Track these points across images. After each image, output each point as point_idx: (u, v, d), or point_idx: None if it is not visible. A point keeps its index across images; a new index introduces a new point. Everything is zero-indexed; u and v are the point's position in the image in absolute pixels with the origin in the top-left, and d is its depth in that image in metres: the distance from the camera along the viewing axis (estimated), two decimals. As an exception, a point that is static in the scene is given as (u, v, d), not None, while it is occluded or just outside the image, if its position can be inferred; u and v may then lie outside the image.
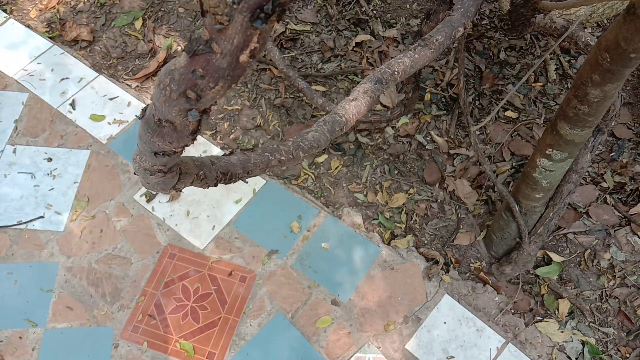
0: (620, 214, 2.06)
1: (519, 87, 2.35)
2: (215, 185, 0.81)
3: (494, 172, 2.13)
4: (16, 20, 2.58)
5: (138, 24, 2.54)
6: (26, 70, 2.38)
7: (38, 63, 2.41)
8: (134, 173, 0.68)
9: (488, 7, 2.58)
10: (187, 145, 0.60)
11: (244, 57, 0.47)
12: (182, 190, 0.76)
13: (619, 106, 1.64)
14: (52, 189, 2.07)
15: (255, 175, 0.88)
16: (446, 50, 2.46)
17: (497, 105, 2.25)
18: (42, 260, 1.93)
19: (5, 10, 2.62)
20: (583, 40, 1.43)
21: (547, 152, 1.46)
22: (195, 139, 0.60)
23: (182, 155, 0.78)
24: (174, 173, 0.66)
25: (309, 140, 0.93)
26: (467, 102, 1.45)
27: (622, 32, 1.03)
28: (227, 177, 0.82)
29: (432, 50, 1.02)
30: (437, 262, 1.94)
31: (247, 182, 0.88)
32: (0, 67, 2.40)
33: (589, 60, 1.18)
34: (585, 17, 1.85)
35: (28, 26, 2.55)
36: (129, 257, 1.93)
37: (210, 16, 0.45)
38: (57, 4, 2.64)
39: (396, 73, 1.01)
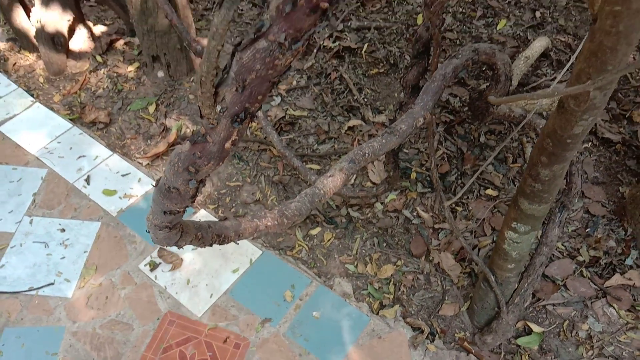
0: (596, 287, 2.17)
1: (499, 168, 2.54)
2: (211, 245, 0.97)
3: (476, 246, 2.28)
4: (41, 103, 2.85)
5: (151, 108, 2.81)
6: (47, 148, 2.62)
7: (58, 142, 2.65)
8: (146, 231, 0.85)
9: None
10: (188, 206, 0.77)
11: (227, 145, 0.66)
12: (183, 247, 0.91)
13: (580, 184, 1.82)
14: (64, 257, 2.23)
15: (245, 238, 1.04)
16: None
17: (477, 184, 2.44)
18: (49, 325, 2.05)
19: (32, 95, 2.91)
20: (540, 127, 1.64)
21: (512, 225, 1.62)
22: (194, 201, 0.78)
23: (185, 219, 0.95)
24: (177, 230, 0.83)
25: (292, 209, 1.10)
26: (438, 179, 1.63)
27: (557, 121, 1.23)
28: (221, 239, 0.98)
29: (397, 136, 1.22)
30: (422, 332, 2.04)
31: (237, 244, 1.04)
32: (23, 145, 2.64)
33: (537, 144, 1.37)
34: (548, 107, 2.09)
35: (51, 109, 2.83)
36: (131, 323, 2.05)
37: (205, 119, 0.65)
38: (79, 89, 2.93)
39: (367, 155, 1.20)
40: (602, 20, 0.96)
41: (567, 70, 2.91)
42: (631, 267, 2.22)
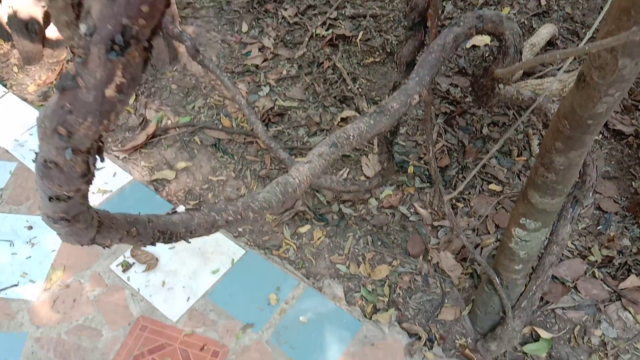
0: (609, 289, 1.99)
1: (503, 161, 2.36)
2: (153, 243, 0.80)
3: (479, 245, 2.10)
4: (14, 94, 2.67)
5: (131, 99, 2.62)
6: (17, 140, 2.44)
7: (30, 134, 2.47)
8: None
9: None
10: (80, 190, 0.59)
11: (110, 92, 0.48)
12: (109, 246, 0.74)
13: (595, 177, 1.63)
14: (30, 257, 2.05)
15: (199, 236, 0.86)
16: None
17: (479, 178, 2.26)
18: (11, 331, 1.86)
19: (5, 85, 2.72)
20: (552, 111, 1.46)
21: (520, 221, 1.44)
22: (88, 182, 0.59)
23: (116, 213, 0.77)
24: (84, 224, 0.65)
25: (259, 201, 0.92)
26: (437, 171, 1.45)
27: (576, 99, 1.05)
28: (167, 236, 0.80)
29: (388, 116, 1.03)
30: (419, 338, 1.85)
31: (189, 242, 0.86)
32: (-7, 138, 2.47)
33: (551, 128, 1.19)
34: (559, 92, 1.90)
35: (25, 100, 2.65)
36: (99, 328, 1.87)
37: (75, 52, 0.46)
38: (55, 79, 2.75)
39: (351, 137, 1.02)
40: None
41: (575, 59, 2.73)
42: (647, 268, 2.03)
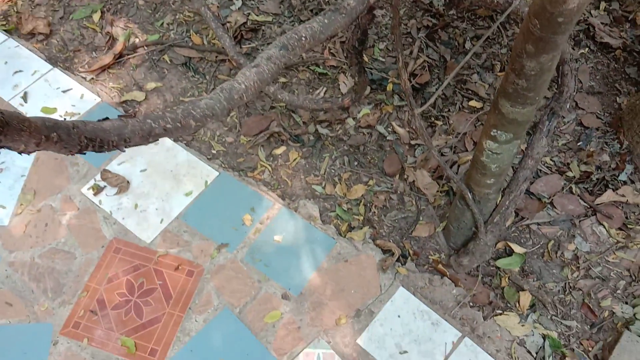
0: (585, 204, 1.98)
1: (485, 77, 2.28)
2: (81, 151, 0.75)
3: (455, 162, 2.06)
4: (-28, 13, 2.52)
5: (96, 16, 2.48)
6: (-22, 63, 2.32)
7: (-9, 56, 2.35)
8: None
9: (454, -4, 2.52)
10: None
11: None
12: (26, 152, 0.68)
13: (573, 87, 1.57)
14: (-1, 182, 2.01)
15: (135, 145, 0.81)
16: (410, 40, 2.40)
17: (460, 95, 2.19)
18: (-16, 256, 1.86)
19: (-39, 4, 2.56)
20: (529, 16, 1.36)
21: (491, 133, 1.39)
22: None
23: (33, 117, 0.71)
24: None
25: (202, 108, 0.86)
26: (407, 82, 1.38)
27: (546, -7, 0.96)
28: (97, 144, 0.75)
29: (344, 15, 0.95)
30: (393, 254, 1.86)
31: (124, 151, 0.81)
32: (-46, 61, 2.35)
33: (522, 30, 1.11)
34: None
35: (-16, 19, 2.50)
36: (72, 251, 1.86)
37: None
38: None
39: (304, 39, 0.94)
40: None
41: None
42: (625, 183, 2.02)
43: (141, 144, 0.81)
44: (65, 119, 2.15)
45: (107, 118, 0.78)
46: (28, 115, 0.68)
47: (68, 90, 2.24)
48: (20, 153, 0.67)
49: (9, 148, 0.65)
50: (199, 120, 0.85)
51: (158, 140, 0.83)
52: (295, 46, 0.94)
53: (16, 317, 1.75)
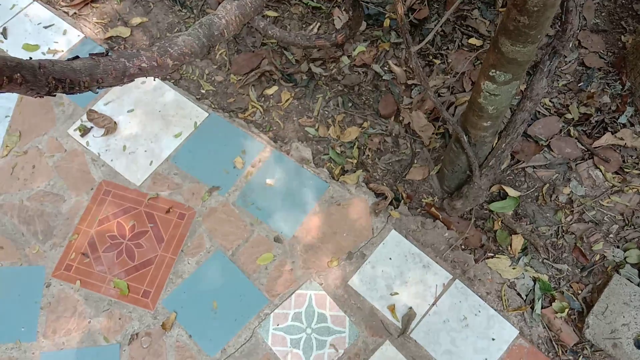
0: (583, 147, 1.95)
1: (486, 13, 2.18)
2: (50, 93, 0.70)
3: (453, 103, 2.01)
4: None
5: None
6: (-46, -3, 2.20)
7: (-34, -10, 2.22)
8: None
9: None
10: None
11: None
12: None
13: (577, 25, 1.49)
14: (-18, 123, 1.95)
15: (108, 86, 0.76)
16: (409, -28, 2.27)
17: (459, 32, 2.10)
18: (-28, 198, 1.83)
19: None
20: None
21: (490, 73, 1.33)
22: None
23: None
24: None
25: (179, 46, 0.80)
26: (404, 18, 1.30)
27: None
28: (67, 84, 0.70)
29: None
30: (386, 198, 1.84)
31: (96, 93, 0.76)
32: None
33: (526, -39, 1.03)
34: None
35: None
36: (62, 194, 1.83)
37: None
38: None
39: (289, -31, 0.87)
40: None
41: None
42: (624, 126, 1.97)
43: (115, 85, 0.76)
44: (48, 56, 2.07)
45: (77, 57, 0.72)
46: (9, 54, 0.63)
47: (50, 25, 2.14)
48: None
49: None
50: (176, 58, 0.79)
51: (134, 80, 0.78)
52: (280, -22, 0.87)
53: (8, 260, 1.74)
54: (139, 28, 2.16)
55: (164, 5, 2.21)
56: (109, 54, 0.75)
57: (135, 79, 0.79)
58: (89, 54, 0.74)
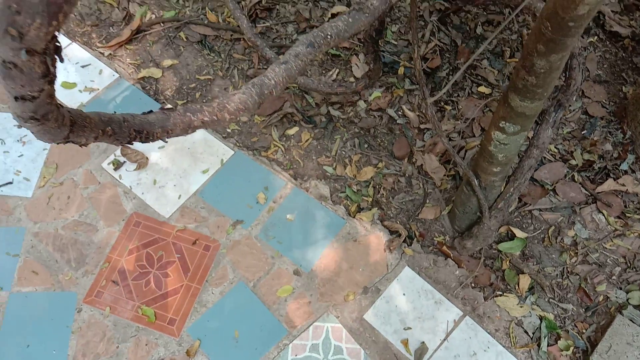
0: (587, 192, 2.06)
1: (494, 63, 2.33)
2: (130, 142, 0.82)
3: (463, 147, 2.13)
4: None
5: (111, -8, 2.52)
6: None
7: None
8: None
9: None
10: (44, 90, 0.60)
11: None
12: (86, 145, 0.76)
13: (580, 81, 1.63)
14: (22, 155, 2.08)
15: (176, 136, 0.88)
16: (423, 23, 2.44)
17: (469, 80, 2.24)
18: (10, 226, 1.95)
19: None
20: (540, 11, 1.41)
21: (500, 124, 1.45)
22: (51, 82, 0.61)
23: (90, 111, 0.78)
24: (54, 123, 0.67)
25: (235, 102, 0.93)
26: (421, 71, 1.44)
27: (559, 0, 1.02)
28: (143, 135, 0.82)
29: (367, 14, 1.01)
30: (399, 235, 1.95)
31: (166, 142, 0.88)
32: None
33: (534, 30, 1.17)
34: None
35: None
36: (94, 224, 1.95)
37: None
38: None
39: (329, 37, 1.00)
40: None
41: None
42: (626, 172, 2.09)
43: (181, 135, 0.88)
44: (85, 94, 2.22)
45: (151, 111, 0.84)
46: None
47: (87, 65, 2.30)
48: (80, 146, 0.74)
49: (73, 142, 0.72)
50: (232, 113, 0.92)
51: (196, 131, 0.90)
52: (321, 44, 1.00)
53: (42, 285, 1.85)
54: (170, 69, 2.32)
55: (194, 49, 2.37)
56: (177, 108, 0.88)
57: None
58: (160, 108, 0.86)
